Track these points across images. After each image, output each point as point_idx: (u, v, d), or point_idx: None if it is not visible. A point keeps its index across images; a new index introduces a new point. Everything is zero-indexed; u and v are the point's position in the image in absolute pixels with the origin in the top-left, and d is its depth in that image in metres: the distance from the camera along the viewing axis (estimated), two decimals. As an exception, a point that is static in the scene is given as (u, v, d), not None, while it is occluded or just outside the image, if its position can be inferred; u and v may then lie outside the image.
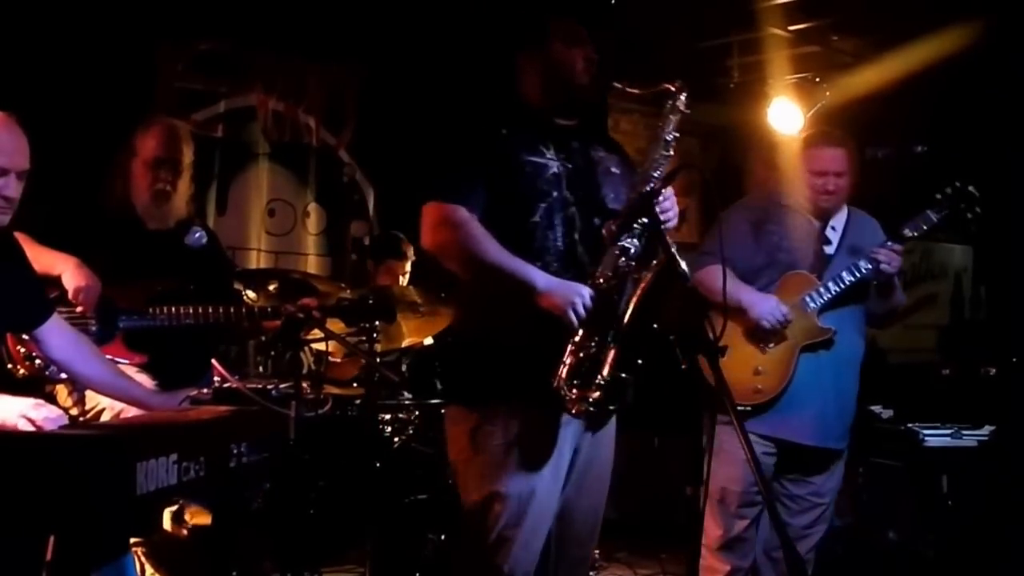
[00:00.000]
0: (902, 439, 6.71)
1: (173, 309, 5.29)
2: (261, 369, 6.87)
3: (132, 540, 4.85)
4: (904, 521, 6.70)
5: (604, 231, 3.98)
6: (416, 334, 6.80)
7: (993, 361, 7.34)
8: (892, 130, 7.52)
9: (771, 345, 5.42)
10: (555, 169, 4.12)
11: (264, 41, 7.71)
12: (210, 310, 5.32)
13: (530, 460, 4.01)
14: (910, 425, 6.71)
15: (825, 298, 5.42)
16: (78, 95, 6.64)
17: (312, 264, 8.07)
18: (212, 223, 7.36)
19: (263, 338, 6.74)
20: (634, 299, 3.90)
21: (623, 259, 3.94)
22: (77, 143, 6.24)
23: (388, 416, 6.42)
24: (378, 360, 6.35)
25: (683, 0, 7.39)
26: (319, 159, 8.18)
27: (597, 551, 6.75)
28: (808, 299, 5.42)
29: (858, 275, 5.39)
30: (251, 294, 5.96)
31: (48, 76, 6.53)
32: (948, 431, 6.63)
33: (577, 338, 3.89)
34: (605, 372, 3.86)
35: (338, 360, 6.86)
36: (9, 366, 4.78)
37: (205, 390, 4.67)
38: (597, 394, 3.85)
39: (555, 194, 4.09)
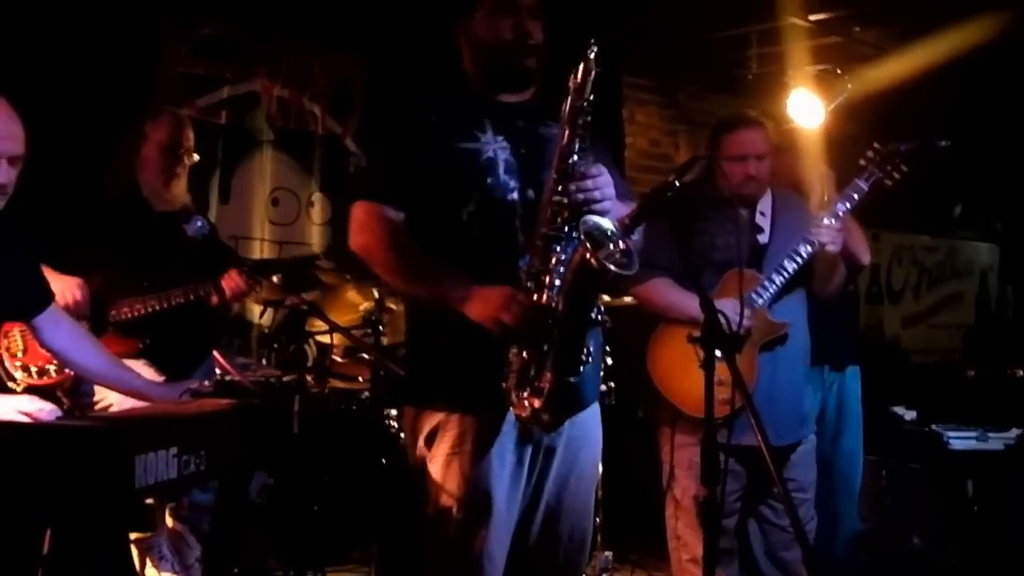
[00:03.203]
0: (926, 441, 6.59)
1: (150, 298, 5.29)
2: (264, 362, 6.73)
3: (132, 535, 4.75)
4: (928, 526, 6.55)
5: (618, 224, 3.75)
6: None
7: (1020, 362, 7.19)
8: (916, 124, 7.36)
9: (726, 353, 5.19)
10: (490, 153, 3.82)
11: (269, 26, 7.54)
12: (175, 292, 5.29)
13: (485, 470, 3.77)
14: (934, 427, 6.57)
15: (771, 291, 5.15)
16: (80, 79, 6.51)
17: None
18: (215, 212, 7.27)
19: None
20: (564, 297, 3.54)
21: (555, 254, 3.60)
22: (79, 128, 6.18)
23: (395, 412, 6.23)
24: (384, 354, 6.20)
25: (701, -11, 7.23)
26: (324, 147, 7.99)
27: (609, 552, 6.62)
28: (755, 296, 5.15)
29: (800, 261, 5.14)
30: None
31: (49, 60, 6.39)
32: (973, 434, 6.50)
33: (511, 336, 3.62)
34: (546, 379, 3.57)
35: (342, 360, 6.73)
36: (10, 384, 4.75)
37: (206, 382, 4.61)
38: (538, 402, 3.58)
39: (490, 181, 3.80)
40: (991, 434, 6.51)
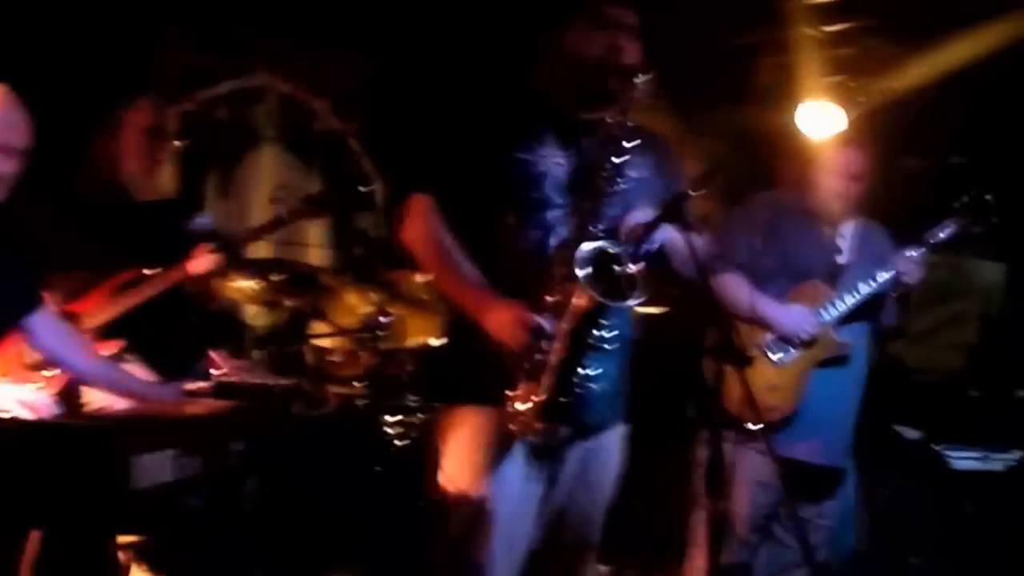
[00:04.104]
0: (928, 461, 6.50)
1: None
2: (259, 364, 6.64)
3: (125, 539, 4.67)
4: (927, 547, 6.44)
5: (628, 235, 3.73)
6: (422, 333, 6.59)
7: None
8: (928, 139, 7.29)
9: (785, 360, 5.20)
10: (543, 167, 3.83)
11: (274, 20, 7.41)
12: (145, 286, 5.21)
13: (495, 465, 3.82)
14: (936, 447, 6.49)
15: (841, 310, 5.26)
16: (74, 73, 6.37)
17: (316, 256, 7.76)
18: (213, 208, 7.20)
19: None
20: (567, 321, 3.58)
21: (574, 275, 3.57)
22: (70, 123, 5.98)
23: (391, 418, 6.14)
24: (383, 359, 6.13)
25: (712, -2, 7.16)
26: (327, 146, 7.88)
27: (606, 567, 6.54)
28: (823, 311, 5.25)
29: (875, 286, 5.23)
30: (253, 284, 5.78)
31: (42, 52, 6.25)
32: (976, 454, 6.42)
33: (517, 355, 3.66)
34: (542, 394, 3.61)
35: (338, 359, 6.64)
36: None
37: (203, 383, 4.51)
38: (530, 415, 3.65)
39: (537, 195, 3.81)
40: (993, 455, 6.43)
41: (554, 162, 3.85)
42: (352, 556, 5.94)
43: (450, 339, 4.14)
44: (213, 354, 5.08)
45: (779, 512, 5.33)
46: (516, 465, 3.83)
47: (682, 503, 5.46)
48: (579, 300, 3.50)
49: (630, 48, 3.82)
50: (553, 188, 3.83)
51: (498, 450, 3.81)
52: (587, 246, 3.53)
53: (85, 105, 5.98)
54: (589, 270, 3.49)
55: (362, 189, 7.82)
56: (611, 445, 4.06)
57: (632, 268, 3.54)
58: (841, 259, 5.39)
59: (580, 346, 3.61)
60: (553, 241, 3.80)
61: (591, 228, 3.65)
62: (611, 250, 3.55)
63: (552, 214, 3.82)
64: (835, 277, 5.34)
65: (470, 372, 3.88)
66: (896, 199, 5.61)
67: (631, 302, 3.56)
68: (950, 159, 5.23)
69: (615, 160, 3.67)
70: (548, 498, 3.94)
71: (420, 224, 3.92)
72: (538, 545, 3.96)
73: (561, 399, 3.62)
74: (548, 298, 3.64)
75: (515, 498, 3.85)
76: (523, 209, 3.82)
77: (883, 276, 5.21)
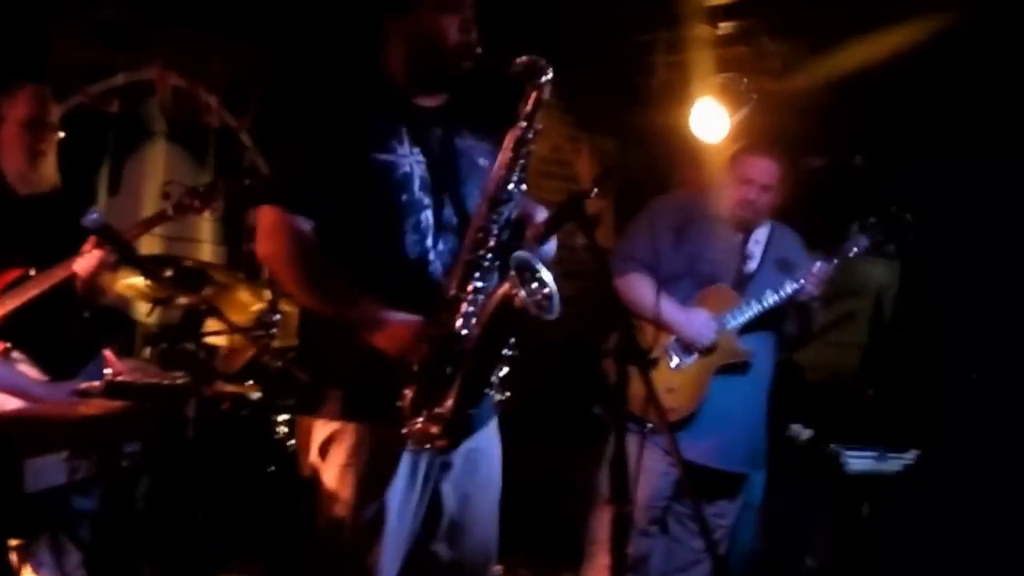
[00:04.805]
0: (823, 461, 6.54)
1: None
2: (151, 362, 6.53)
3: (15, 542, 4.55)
4: (822, 547, 6.49)
5: (528, 234, 3.68)
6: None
7: (915, 383, 7.19)
8: (828, 140, 7.36)
9: (683, 364, 5.21)
10: (406, 168, 3.70)
11: (168, 13, 7.29)
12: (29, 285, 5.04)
13: (380, 481, 3.71)
14: (831, 447, 6.53)
15: (745, 317, 5.29)
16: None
17: (207, 252, 7.66)
18: (103, 204, 7.06)
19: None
20: (480, 329, 3.50)
21: (473, 281, 3.56)
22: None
23: (283, 419, 6.06)
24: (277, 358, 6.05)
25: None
26: (219, 140, 7.78)
27: (500, 567, 6.52)
28: (729, 316, 5.27)
29: (782, 296, 5.28)
30: (144, 281, 5.67)
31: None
32: (871, 455, 6.47)
33: (415, 369, 3.54)
34: (447, 406, 3.52)
35: (230, 358, 6.55)
36: None
37: (96, 383, 4.42)
38: (435, 429, 3.53)
39: (404, 197, 3.69)
40: (889, 455, 6.48)
41: (415, 160, 3.74)
42: (245, 557, 5.87)
43: (311, 352, 3.96)
44: (108, 353, 4.96)
45: (676, 508, 5.39)
46: (400, 477, 3.73)
47: (581, 501, 5.46)
48: (509, 295, 3.38)
49: (474, 29, 3.76)
50: (420, 189, 3.72)
51: (382, 466, 3.70)
52: (520, 255, 3.44)
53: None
54: (524, 280, 3.40)
55: (249, 184, 7.72)
56: (490, 440, 4.01)
57: (547, 287, 3.45)
58: (750, 266, 5.43)
59: (496, 356, 3.54)
60: (431, 246, 3.71)
61: (492, 232, 3.58)
62: (535, 263, 3.46)
63: (424, 216, 3.72)
64: (743, 283, 5.38)
65: (340, 383, 3.75)
66: (797, 198, 5.62)
67: (550, 316, 3.44)
68: (851, 159, 5.24)
69: (520, 162, 3.61)
70: (441, 506, 3.86)
71: (279, 238, 3.71)
72: (443, 555, 3.89)
73: (469, 411, 3.57)
74: (442, 307, 3.56)
75: (399, 511, 3.75)
76: (395, 215, 3.69)
77: (790, 287, 5.25)
